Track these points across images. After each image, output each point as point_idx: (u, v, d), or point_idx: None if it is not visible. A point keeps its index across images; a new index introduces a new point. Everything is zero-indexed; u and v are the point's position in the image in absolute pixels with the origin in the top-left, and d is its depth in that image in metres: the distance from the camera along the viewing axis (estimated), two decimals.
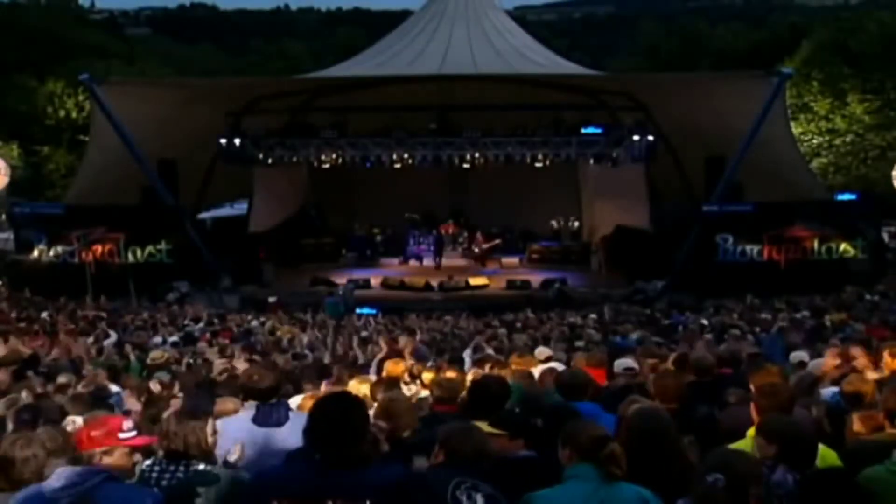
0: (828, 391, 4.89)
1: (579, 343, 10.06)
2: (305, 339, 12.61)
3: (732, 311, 14.01)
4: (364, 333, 12.89)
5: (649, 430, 3.00)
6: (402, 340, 8.98)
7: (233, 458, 3.21)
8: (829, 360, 6.06)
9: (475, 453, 2.70)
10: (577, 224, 25.28)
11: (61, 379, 6.44)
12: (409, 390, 5.17)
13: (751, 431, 3.28)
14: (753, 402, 3.56)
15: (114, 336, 10.99)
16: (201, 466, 2.96)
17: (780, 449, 2.78)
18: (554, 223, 24.99)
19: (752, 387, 4.18)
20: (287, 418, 3.48)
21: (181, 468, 2.95)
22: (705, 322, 12.25)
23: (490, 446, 2.80)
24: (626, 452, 2.85)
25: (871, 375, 5.02)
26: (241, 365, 7.13)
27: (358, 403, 2.74)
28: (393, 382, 4.94)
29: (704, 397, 4.59)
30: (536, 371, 5.62)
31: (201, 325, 13.57)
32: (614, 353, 6.97)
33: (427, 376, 5.50)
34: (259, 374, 3.67)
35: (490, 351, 8.77)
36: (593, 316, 14.30)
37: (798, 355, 6.51)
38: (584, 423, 2.85)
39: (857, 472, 2.86)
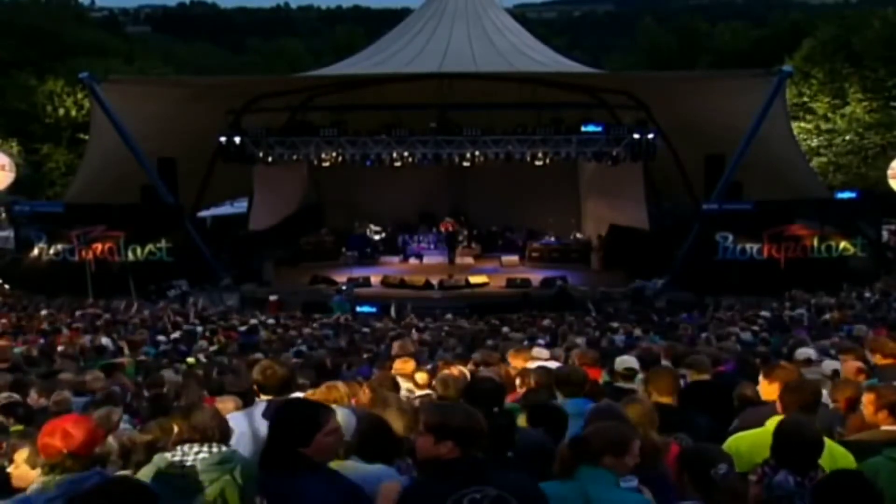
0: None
1: (578, 340, 10.04)
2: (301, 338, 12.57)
3: (732, 309, 14.02)
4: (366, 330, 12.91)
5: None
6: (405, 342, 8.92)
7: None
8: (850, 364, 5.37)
9: (469, 427, 2.44)
10: (577, 222, 25.25)
11: (60, 377, 6.43)
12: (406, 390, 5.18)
13: (769, 422, 3.22)
14: (779, 399, 3.53)
15: (107, 341, 10.86)
16: (223, 448, 2.94)
17: (779, 451, 2.76)
18: (553, 221, 24.95)
19: (761, 384, 4.05)
20: None
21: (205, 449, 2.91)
22: (705, 320, 12.26)
23: (482, 420, 2.50)
24: None
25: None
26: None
27: (304, 410, 2.61)
28: (391, 381, 4.93)
29: (703, 396, 4.58)
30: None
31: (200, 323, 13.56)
32: (614, 352, 6.97)
33: (421, 377, 5.46)
34: (273, 369, 3.75)
35: (489, 349, 8.74)
36: (593, 314, 14.31)
37: (804, 352, 6.30)
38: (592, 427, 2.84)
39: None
